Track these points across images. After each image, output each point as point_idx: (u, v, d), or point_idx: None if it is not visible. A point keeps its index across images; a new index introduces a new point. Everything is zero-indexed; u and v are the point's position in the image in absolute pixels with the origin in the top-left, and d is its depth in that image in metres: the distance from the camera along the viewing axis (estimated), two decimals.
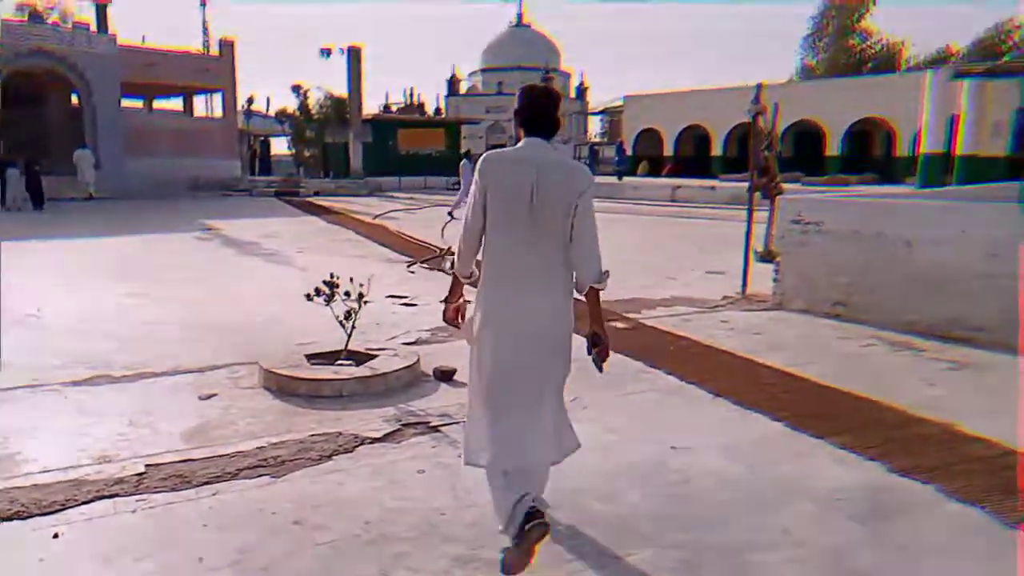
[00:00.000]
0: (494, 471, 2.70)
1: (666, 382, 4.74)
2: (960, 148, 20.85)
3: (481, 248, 2.74)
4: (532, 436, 2.70)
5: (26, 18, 29.08)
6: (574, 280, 2.76)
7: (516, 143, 2.76)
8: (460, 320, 2.92)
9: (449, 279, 2.94)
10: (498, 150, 2.79)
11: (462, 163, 17.86)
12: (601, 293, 2.82)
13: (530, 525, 2.55)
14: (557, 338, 2.76)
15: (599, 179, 29.33)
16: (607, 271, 2.78)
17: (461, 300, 2.93)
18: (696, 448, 3.69)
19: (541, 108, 2.73)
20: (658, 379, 4.81)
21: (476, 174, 2.70)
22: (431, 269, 9.46)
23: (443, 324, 3.06)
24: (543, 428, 2.73)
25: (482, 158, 2.72)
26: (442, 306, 2.95)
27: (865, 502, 3.17)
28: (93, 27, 25.62)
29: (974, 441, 3.80)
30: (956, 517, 3.06)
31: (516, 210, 2.65)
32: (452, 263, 2.87)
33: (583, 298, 2.80)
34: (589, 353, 2.83)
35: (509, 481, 2.66)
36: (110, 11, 26.62)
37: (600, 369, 2.83)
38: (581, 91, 66.44)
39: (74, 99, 25.50)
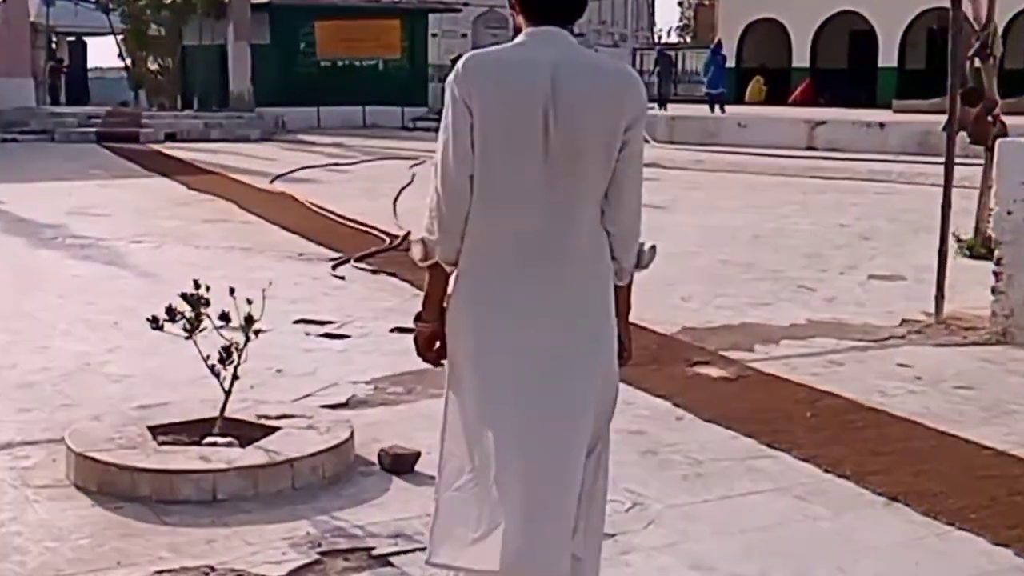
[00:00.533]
0: None
1: (799, 475, 4.72)
2: None
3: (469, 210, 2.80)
4: (548, 504, 2.75)
5: None
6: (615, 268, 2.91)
7: (514, 41, 2.88)
8: (441, 356, 2.97)
9: (421, 283, 3.01)
10: (484, 49, 2.94)
11: (448, 81, 17.98)
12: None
13: None
14: (592, 375, 2.84)
15: (679, 109, 29.57)
16: (653, 245, 3.04)
17: (435, 323, 2.96)
18: None
19: None
20: (785, 470, 4.79)
21: (452, 85, 2.79)
22: (375, 272, 9.46)
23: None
24: (561, 496, 2.78)
25: (462, 61, 2.82)
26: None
27: None
28: None
29: None
30: None
31: (520, 151, 2.73)
32: (424, 247, 2.88)
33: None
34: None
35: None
36: None
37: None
38: None
39: None
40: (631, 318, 3.08)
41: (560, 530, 2.74)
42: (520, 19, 2.83)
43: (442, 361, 2.96)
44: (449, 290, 2.91)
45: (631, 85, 2.81)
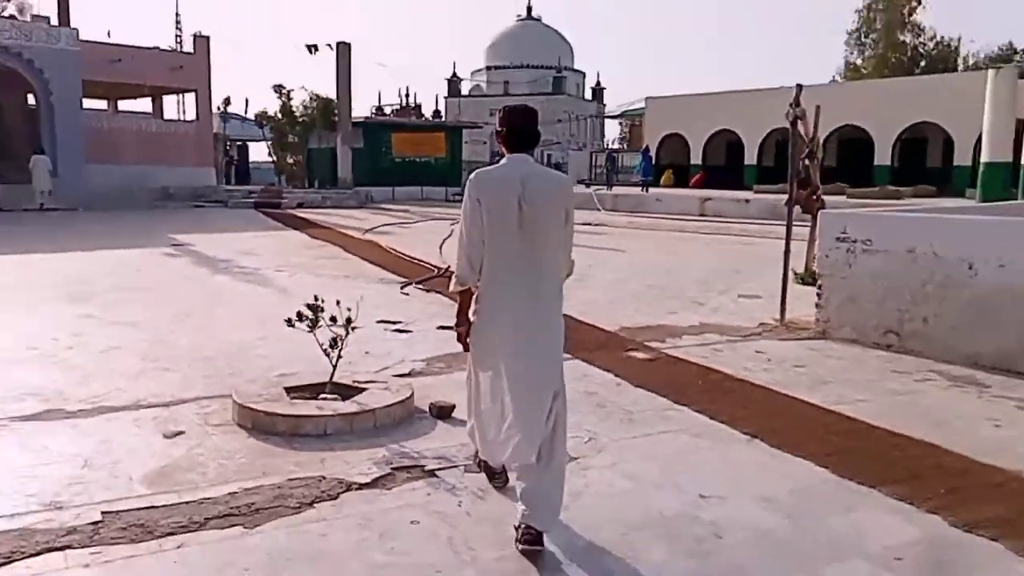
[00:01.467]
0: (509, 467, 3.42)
1: (694, 421, 4.72)
2: None
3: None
4: (527, 430, 3.21)
5: None
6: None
7: (501, 161, 3.35)
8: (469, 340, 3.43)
9: (454, 304, 3.42)
10: (485, 168, 3.40)
11: (467, 185, 18.12)
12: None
13: (526, 549, 3.12)
14: (553, 345, 3.33)
15: (620, 190, 29.64)
16: (573, 262, 3.48)
17: (472, 320, 3.40)
18: (729, 498, 3.66)
19: (521, 125, 3.35)
20: (685, 418, 4.78)
21: (468, 187, 3.28)
22: (427, 291, 9.48)
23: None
24: (535, 426, 3.22)
25: (472, 176, 3.32)
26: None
27: (924, 561, 3.13)
28: (53, 20, 26.04)
29: None
30: None
31: (506, 224, 3.22)
32: (456, 281, 3.35)
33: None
34: None
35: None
36: (72, 3, 27.05)
37: None
38: (597, 92, 67.01)
39: (32, 99, 25.82)
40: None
41: (534, 437, 3.21)
42: (502, 148, 3.35)
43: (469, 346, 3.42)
44: (473, 305, 3.37)
45: (566, 185, 3.38)
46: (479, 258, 3.26)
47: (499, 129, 3.36)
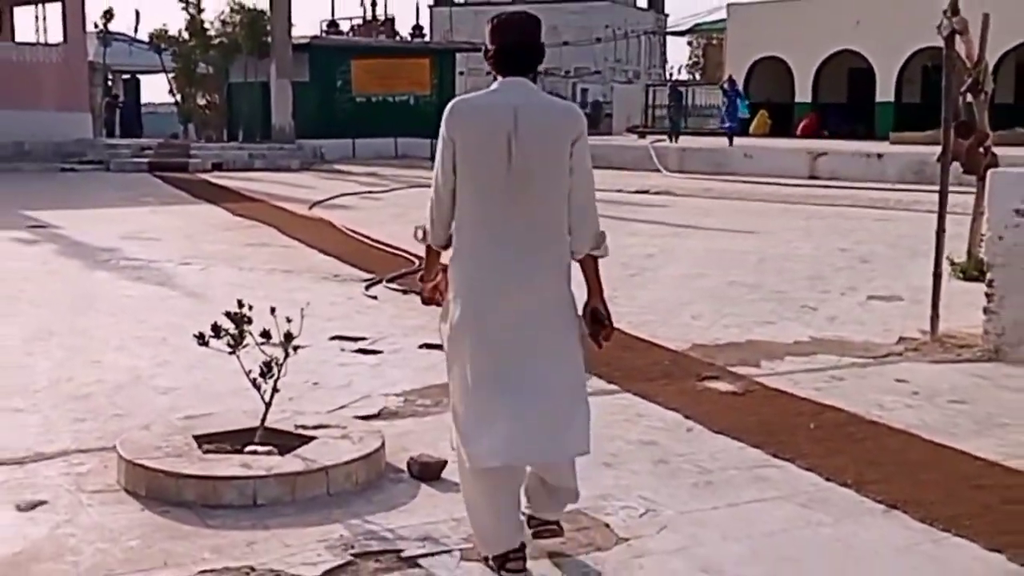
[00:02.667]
0: (483, 479, 3.67)
1: (803, 484, 4.70)
2: None
3: (454, 218, 3.68)
4: (539, 427, 3.59)
5: None
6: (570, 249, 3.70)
7: (489, 88, 3.70)
8: (441, 297, 3.83)
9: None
10: (466, 96, 3.79)
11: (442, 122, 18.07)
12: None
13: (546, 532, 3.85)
14: (549, 316, 3.64)
15: (690, 141, 29.57)
16: (604, 232, 3.77)
17: (439, 276, 3.87)
18: None
19: (516, 39, 3.66)
20: (789, 479, 4.76)
21: (443, 124, 3.63)
22: (404, 292, 9.46)
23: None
24: (551, 420, 3.62)
25: (449, 106, 3.67)
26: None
27: None
28: None
29: None
30: None
31: (492, 170, 3.54)
32: (423, 233, 3.84)
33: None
34: (592, 334, 3.79)
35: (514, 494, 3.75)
36: None
37: (599, 345, 3.84)
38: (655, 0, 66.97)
39: None
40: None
41: (543, 432, 3.61)
42: (492, 70, 3.68)
43: (438, 298, 3.85)
44: (445, 259, 3.81)
45: (573, 115, 3.74)
46: (446, 222, 3.70)
47: (488, 47, 3.69)
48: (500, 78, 3.65)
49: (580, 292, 3.76)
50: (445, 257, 3.86)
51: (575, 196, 3.61)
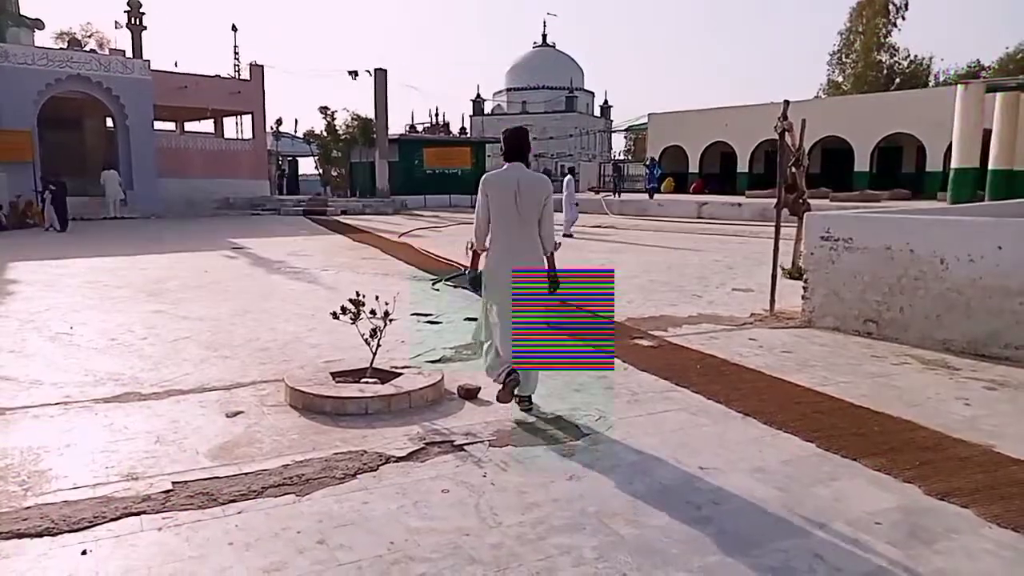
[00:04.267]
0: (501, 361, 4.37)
1: (693, 401, 4.68)
2: (993, 162, 20.49)
3: (489, 231, 4.33)
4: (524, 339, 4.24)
5: (65, 45, 29.98)
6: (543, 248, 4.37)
7: (503, 167, 4.36)
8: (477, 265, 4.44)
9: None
10: (493, 172, 4.38)
11: (566, 179, 18.01)
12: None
13: (509, 378, 4.31)
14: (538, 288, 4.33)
15: (626, 196, 29.46)
16: (559, 243, 4.51)
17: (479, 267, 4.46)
18: (725, 469, 3.63)
19: (516, 142, 4.36)
20: (685, 398, 4.75)
21: (480, 187, 4.32)
22: (455, 287, 9.48)
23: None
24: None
25: (484, 177, 4.35)
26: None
27: (901, 526, 3.08)
28: (128, 53, 26.32)
29: (1013, 463, 3.68)
30: (996, 543, 2.96)
31: (507, 208, 4.28)
32: (471, 244, 4.44)
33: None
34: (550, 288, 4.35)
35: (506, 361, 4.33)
36: (144, 37, 27.29)
37: (552, 292, 4.36)
38: (605, 110, 66.63)
39: (110, 122, 26.15)
40: None
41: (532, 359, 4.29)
42: (502, 158, 4.37)
43: (476, 264, 4.43)
44: (483, 258, 4.39)
45: (546, 183, 4.37)
46: (484, 232, 4.36)
47: (501, 146, 4.41)
48: (507, 163, 4.35)
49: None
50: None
51: (545, 224, 4.33)
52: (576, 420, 4.30)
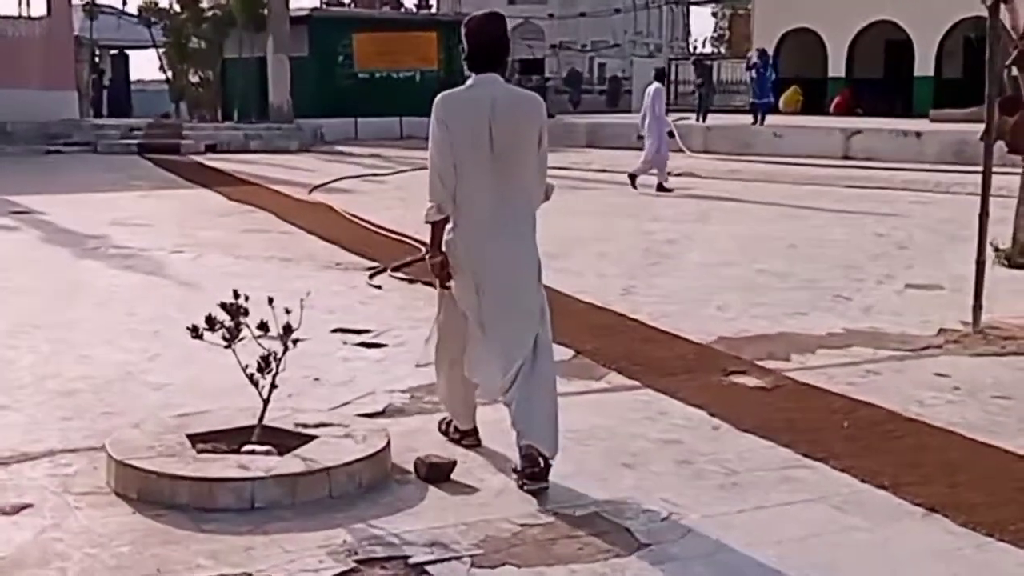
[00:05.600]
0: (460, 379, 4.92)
1: (836, 486, 4.69)
2: None
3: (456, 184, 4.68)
4: (514, 356, 4.66)
5: None
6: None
7: (468, 82, 4.79)
8: (447, 275, 4.83)
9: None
10: (451, 90, 4.84)
11: (651, 89, 18.30)
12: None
13: (537, 468, 4.53)
14: (528, 267, 4.81)
15: (717, 119, 29.45)
16: (552, 186, 4.98)
17: (444, 254, 4.79)
18: None
19: (488, 43, 4.74)
20: (822, 481, 4.76)
21: (434, 111, 4.66)
22: (411, 281, 9.46)
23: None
24: (520, 351, 4.67)
25: (438, 98, 4.71)
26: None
27: None
28: None
29: None
30: None
31: (478, 151, 4.62)
32: (437, 208, 4.74)
33: None
34: None
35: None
36: None
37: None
38: None
39: None
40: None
41: (511, 363, 4.66)
42: (467, 63, 4.78)
43: (448, 284, 4.85)
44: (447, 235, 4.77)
45: (537, 104, 4.86)
46: (452, 185, 4.66)
47: (462, 47, 4.78)
48: (475, 76, 4.73)
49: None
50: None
51: (540, 165, 4.82)
52: (626, 519, 4.30)
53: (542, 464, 4.51)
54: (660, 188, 17.19)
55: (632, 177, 17.31)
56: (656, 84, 18.48)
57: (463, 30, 4.78)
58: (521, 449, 4.56)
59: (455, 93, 4.77)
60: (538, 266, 4.84)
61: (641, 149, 18.03)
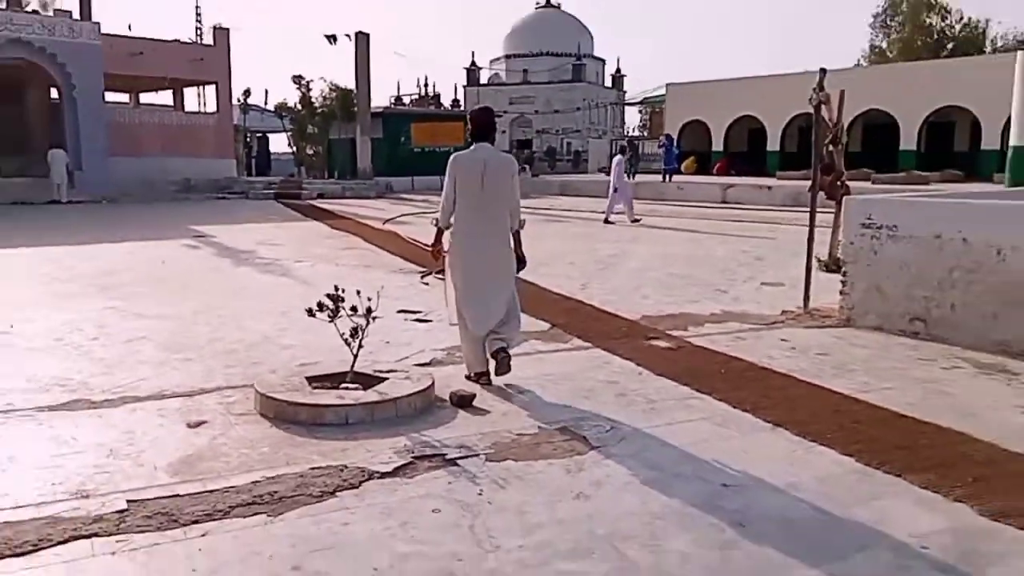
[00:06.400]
0: (470, 335, 5.12)
1: (717, 410, 4.69)
2: None
3: (455, 210, 5.06)
4: (494, 314, 5.06)
5: (3, 6, 29.93)
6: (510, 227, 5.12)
7: (472, 148, 5.09)
8: (441, 256, 5.20)
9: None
10: (460, 152, 5.10)
11: (615, 159, 18.33)
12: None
13: (500, 355, 4.94)
14: (503, 259, 5.12)
15: (641, 178, 29.46)
16: (524, 220, 5.18)
17: (442, 244, 5.20)
18: (752, 487, 3.64)
19: (482, 125, 5.10)
20: (707, 406, 4.76)
21: (449, 166, 5.04)
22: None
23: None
24: (499, 311, 5.08)
25: (452, 157, 5.09)
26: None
27: (952, 551, 3.09)
28: (75, 14, 26.26)
29: None
30: None
31: (474, 188, 5.00)
32: (437, 220, 5.20)
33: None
34: (517, 272, 5.19)
35: (483, 344, 5.06)
36: None
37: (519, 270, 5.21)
38: (617, 80, 66.55)
39: (55, 94, 26.07)
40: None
41: (498, 313, 5.06)
42: (471, 137, 5.12)
43: (444, 260, 5.19)
44: (447, 236, 5.17)
45: (512, 162, 5.18)
46: (450, 210, 5.07)
47: (468, 127, 5.17)
48: (475, 143, 5.08)
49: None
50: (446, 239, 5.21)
51: (512, 200, 5.07)
52: (584, 431, 4.30)
53: (507, 354, 4.99)
54: (633, 221, 17.08)
55: (606, 220, 17.13)
56: (618, 156, 18.49)
57: (468, 116, 5.25)
58: (492, 345, 5.00)
59: (463, 154, 5.08)
60: (512, 260, 5.09)
61: (606, 197, 18.25)
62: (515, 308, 5.15)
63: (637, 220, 17.14)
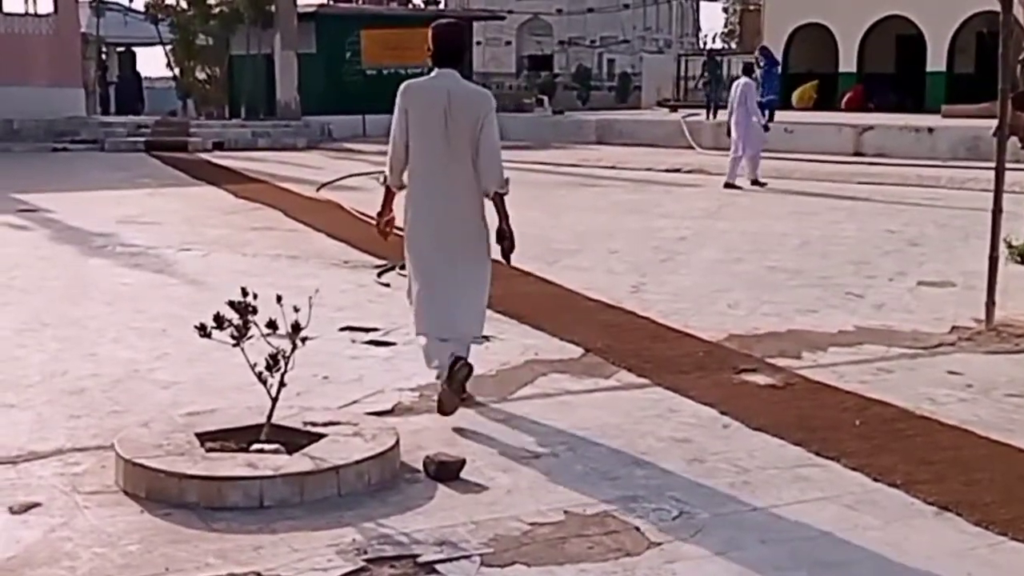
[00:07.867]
0: (431, 337, 5.53)
1: (848, 485, 4.69)
2: None
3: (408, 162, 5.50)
4: (457, 312, 5.52)
5: None
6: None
7: (431, 74, 5.55)
8: (390, 232, 5.84)
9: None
10: (415, 80, 5.70)
11: (738, 84, 18.45)
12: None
13: (457, 365, 5.31)
14: (470, 236, 5.55)
15: (725, 116, 29.33)
16: (508, 178, 5.54)
17: (392, 214, 5.78)
18: None
19: (448, 45, 5.58)
20: (833, 479, 4.75)
21: (398, 98, 5.46)
22: None
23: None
24: (465, 308, 5.57)
25: (402, 86, 5.53)
26: None
27: None
28: None
29: None
30: None
31: (432, 131, 5.37)
32: (385, 177, 5.68)
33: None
34: (500, 247, 5.59)
35: (445, 346, 5.46)
36: None
37: (507, 260, 5.71)
38: None
39: None
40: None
41: (463, 311, 5.55)
42: (431, 62, 5.53)
43: (395, 231, 5.80)
44: (404, 201, 5.59)
45: (484, 97, 5.61)
46: (400, 162, 5.51)
47: (428, 46, 5.54)
48: (436, 69, 5.49)
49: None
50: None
51: (484, 150, 5.41)
52: (638, 518, 4.29)
53: (463, 363, 5.37)
54: (754, 183, 17.42)
55: (728, 184, 17.30)
56: (744, 79, 18.48)
57: (430, 33, 5.62)
58: (452, 365, 5.33)
59: (418, 82, 5.64)
60: (485, 237, 5.59)
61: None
62: (480, 309, 5.72)
63: (763, 183, 17.35)
